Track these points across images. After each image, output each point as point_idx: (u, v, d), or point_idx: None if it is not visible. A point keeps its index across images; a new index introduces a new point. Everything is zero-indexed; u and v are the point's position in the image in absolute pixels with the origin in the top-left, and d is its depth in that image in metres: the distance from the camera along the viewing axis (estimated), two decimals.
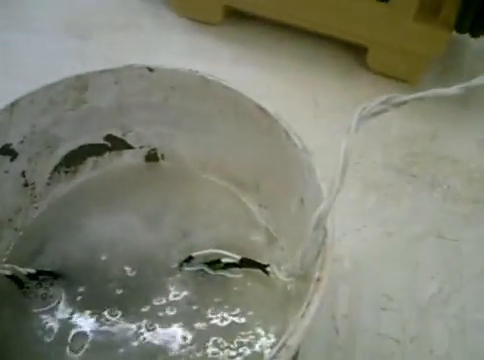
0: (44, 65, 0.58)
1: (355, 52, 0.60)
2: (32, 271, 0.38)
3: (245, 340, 0.37)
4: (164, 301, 0.38)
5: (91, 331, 0.36)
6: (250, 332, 0.37)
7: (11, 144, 0.37)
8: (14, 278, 0.37)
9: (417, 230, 0.48)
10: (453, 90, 0.30)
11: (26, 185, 0.40)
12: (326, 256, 0.30)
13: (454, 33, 0.53)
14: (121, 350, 0.36)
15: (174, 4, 0.64)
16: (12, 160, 0.38)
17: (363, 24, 0.55)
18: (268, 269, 0.38)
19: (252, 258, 0.39)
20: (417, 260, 0.46)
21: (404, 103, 0.31)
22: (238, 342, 0.37)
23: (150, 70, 0.39)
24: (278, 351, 0.27)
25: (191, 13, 0.63)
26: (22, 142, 0.38)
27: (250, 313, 0.38)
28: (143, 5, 0.66)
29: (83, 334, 0.36)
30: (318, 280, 0.29)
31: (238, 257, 0.39)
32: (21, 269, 0.37)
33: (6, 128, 0.36)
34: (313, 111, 0.56)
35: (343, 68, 0.60)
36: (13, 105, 0.36)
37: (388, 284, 0.44)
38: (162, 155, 0.45)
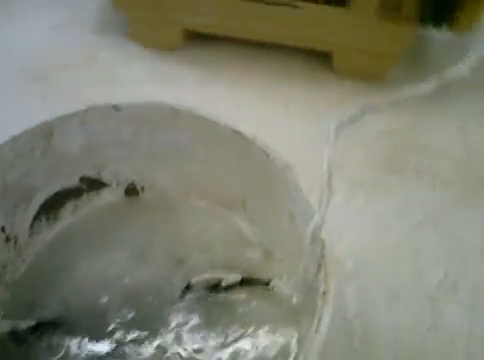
0: (4, 112, 0.55)
1: (321, 58, 0.60)
2: (32, 323, 0.37)
3: (262, 357, 0.36)
4: (172, 332, 0.37)
5: None
6: (265, 348, 0.36)
7: None
8: (14, 334, 0.36)
9: (412, 220, 0.47)
10: (426, 88, 0.30)
11: (8, 240, 0.39)
12: (328, 268, 0.30)
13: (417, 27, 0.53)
14: None
15: (132, 33, 0.63)
16: None
17: (325, 30, 0.55)
18: (271, 284, 0.37)
19: (252, 276, 0.38)
20: (417, 249, 0.45)
21: (379, 109, 0.31)
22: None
23: (115, 108, 0.38)
24: None
25: (150, 41, 0.62)
26: None
27: (260, 331, 0.37)
28: (99, 38, 0.65)
29: None
30: (324, 293, 0.29)
31: (239, 277, 0.38)
32: (20, 323, 0.36)
33: None
34: (287, 121, 0.55)
35: (311, 75, 0.59)
36: None
37: (394, 277, 0.44)
38: (142, 188, 0.44)
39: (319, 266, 0.30)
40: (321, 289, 0.29)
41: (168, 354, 0.36)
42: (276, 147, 0.36)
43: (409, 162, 0.51)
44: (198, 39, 0.62)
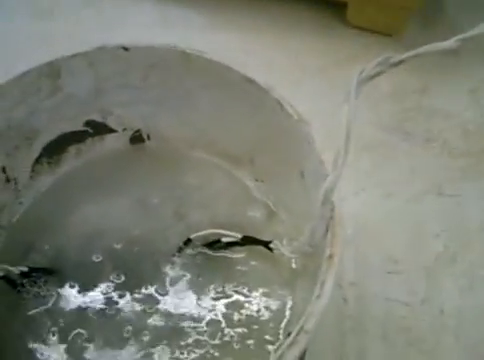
0: (8, 48, 0.55)
1: (334, 9, 0.58)
2: (24, 269, 0.36)
3: (254, 318, 0.36)
4: (166, 287, 0.37)
5: (91, 328, 0.35)
6: (258, 310, 0.36)
7: None
8: (6, 278, 0.36)
9: (416, 189, 0.47)
10: (451, 43, 0.29)
11: (8, 181, 0.38)
12: (336, 231, 0.29)
13: None
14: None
15: None
16: None
17: None
18: (272, 245, 0.36)
19: (253, 235, 0.37)
20: (419, 219, 0.45)
21: (401, 63, 0.29)
22: (247, 321, 0.35)
23: (125, 49, 0.37)
24: (296, 334, 0.26)
25: None
26: None
27: (256, 292, 0.37)
28: None
29: (81, 334, 0.35)
30: (330, 257, 0.28)
31: (239, 235, 0.37)
32: (12, 268, 0.36)
33: None
34: (297, 74, 0.54)
35: (323, 26, 0.58)
36: None
37: (393, 247, 0.43)
38: (148, 135, 0.43)
39: (327, 228, 0.29)
40: (327, 252, 0.28)
41: (160, 308, 0.36)
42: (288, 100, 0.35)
43: (418, 127, 0.50)
44: None
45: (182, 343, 0.34)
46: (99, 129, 0.41)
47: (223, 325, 0.35)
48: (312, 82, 0.53)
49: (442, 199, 0.46)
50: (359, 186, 0.46)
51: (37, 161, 0.40)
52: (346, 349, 0.39)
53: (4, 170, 0.37)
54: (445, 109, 0.51)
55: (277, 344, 0.34)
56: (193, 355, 0.34)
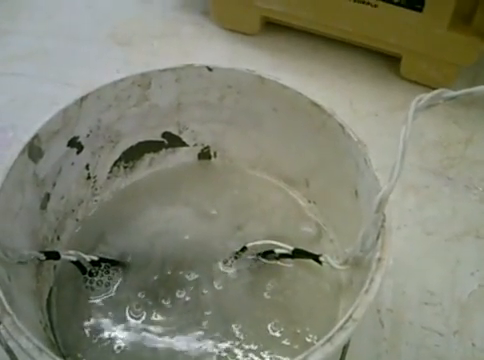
0: (88, 70, 0.60)
1: (389, 60, 0.63)
2: (95, 258, 0.39)
3: (299, 327, 0.38)
4: (220, 288, 0.40)
5: (150, 312, 0.38)
6: (303, 320, 0.39)
7: (78, 137, 0.39)
8: (78, 264, 0.39)
9: (455, 230, 0.49)
10: None
11: (89, 178, 0.42)
12: (386, 238, 0.32)
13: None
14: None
15: (214, 15, 0.66)
16: (78, 153, 0.40)
17: (397, 33, 0.57)
18: (321, 258, 0.38)
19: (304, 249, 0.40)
20: (457, 258, 0.47)
21: (454, 98, 0.32)
22: (293, 328, 0.38)
23: (209, 69, 0.41)
24: (345, 322, 0.28)
25: (230, 24, 0.66)
26: (88, 136, 0.40)
27: (302, 302, 0.39)
28: (182, 15, 0.69)
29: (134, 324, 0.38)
30: (379, 260, 0.31)
31: (291, 248, 0.40)
32: (85, 255, 0.39)
33: (75, 121, 0.38)
34: (350, 117, 0.57)
35: (377, 76, 0.62)
36: (82, 99, 0.38)
37: (430, 280, 0.46)
38: (214, 153, 0.47)
39: (378, 235, 0.32)
40: (377, 255, 0.31)
41: (209, 310, 0.39)
42: None
43: (460, 175, 0.54)
44: (275, 27, 0.66)
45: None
46: (173, 141, 0.45)
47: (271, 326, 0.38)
48: (363, 124, 0.56)
49: (479, 241, 0.49)
50: (402, 222, 0.49)
51: (115, 164, 0.44)
52: None
53: (88, 167, 0.41)
54: None
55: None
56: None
